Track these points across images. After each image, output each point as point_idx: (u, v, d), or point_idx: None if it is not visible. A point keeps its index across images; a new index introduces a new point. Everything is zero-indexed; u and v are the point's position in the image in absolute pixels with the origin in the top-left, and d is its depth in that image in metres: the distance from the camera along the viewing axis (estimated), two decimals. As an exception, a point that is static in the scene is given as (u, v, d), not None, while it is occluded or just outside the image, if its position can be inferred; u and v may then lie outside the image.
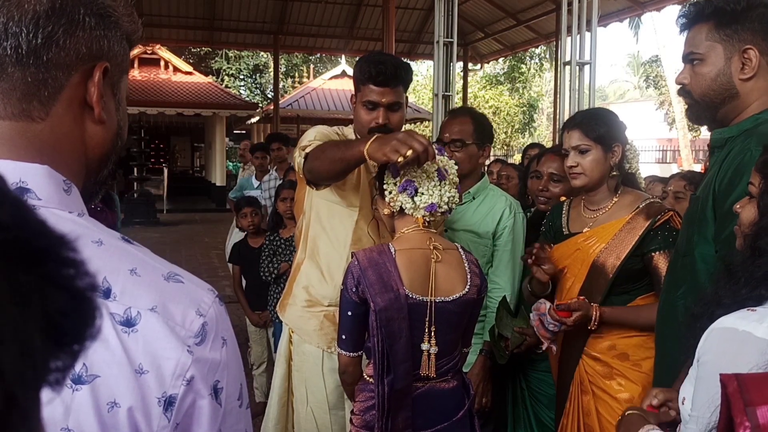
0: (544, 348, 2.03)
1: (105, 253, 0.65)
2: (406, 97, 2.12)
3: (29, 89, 0.67)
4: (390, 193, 1.74)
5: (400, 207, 1.72)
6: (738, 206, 1.23)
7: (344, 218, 2.09)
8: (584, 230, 2.07)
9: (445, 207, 1.73)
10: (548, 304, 1.94)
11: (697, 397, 1.07)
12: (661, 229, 1.93)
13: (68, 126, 0.70)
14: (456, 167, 1.81)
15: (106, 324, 0.61)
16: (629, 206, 2.01)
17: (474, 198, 2.42)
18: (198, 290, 0.68)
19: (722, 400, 0.82)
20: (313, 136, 2.02)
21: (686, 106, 1.61)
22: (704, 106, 1.54)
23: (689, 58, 1.54)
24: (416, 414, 1.72)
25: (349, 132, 2.19)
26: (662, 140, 25.50)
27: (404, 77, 2.06)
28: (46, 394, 0.32)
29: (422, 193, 1.69)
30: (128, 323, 0.62)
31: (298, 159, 1.98)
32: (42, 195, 0.65)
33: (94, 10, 0.70)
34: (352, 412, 1.79)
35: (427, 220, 1.73)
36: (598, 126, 2.00)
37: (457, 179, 1.79)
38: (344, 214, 2.09)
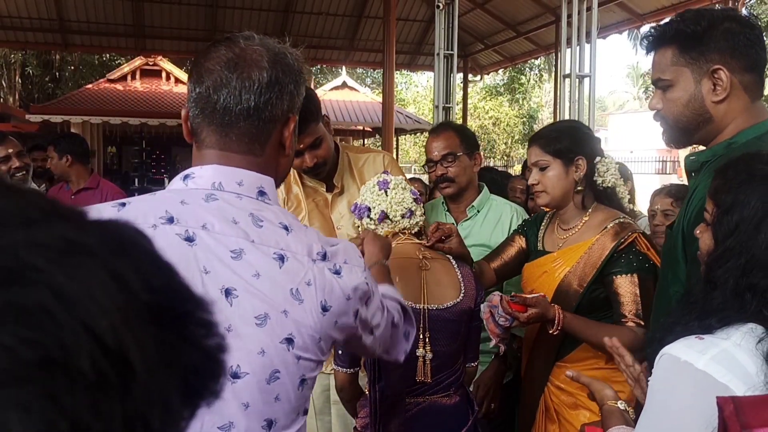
0: (491, 345, 1.92)
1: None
2: (326, 118, 2.02)
3: (253, 136, 0.99)
4: (360, 228, 1.82)
5: None
6: (697, 231, 1.18)
7: None
8: (555, 251, 1.96)
9: (401, 210, 1.76)
10: (502, 296, 1.79)
11: (640, 419, 1.06)
12: (625, 251, 1.81)
13: (272, 160, 1.03)
14: (403, 179, 1.84)
15: None
16: (598, 226, 1.88)
17: (479, 211, 2.40)
18: None
19: (719, 423, 0.83)
20: None
21: (662, 130, 1.54)
22: (679, 131, 1.48)
23: (658, 84, 1.47)
24: (417, 431, 1.72)
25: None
26: (662, 151, 25.48)
27: (311, 117, 1.90)
28: None
29: (372, 208, 1.77)
30: None
31: None
32: (271, 198, 1.00)
33: (294, 78, 1.01)
34: (354, 428, 1.79)
35: (400, 229, 1.77)
36: (557, 140, 1.90)
37: (406, 186, 1.82)
38: None
